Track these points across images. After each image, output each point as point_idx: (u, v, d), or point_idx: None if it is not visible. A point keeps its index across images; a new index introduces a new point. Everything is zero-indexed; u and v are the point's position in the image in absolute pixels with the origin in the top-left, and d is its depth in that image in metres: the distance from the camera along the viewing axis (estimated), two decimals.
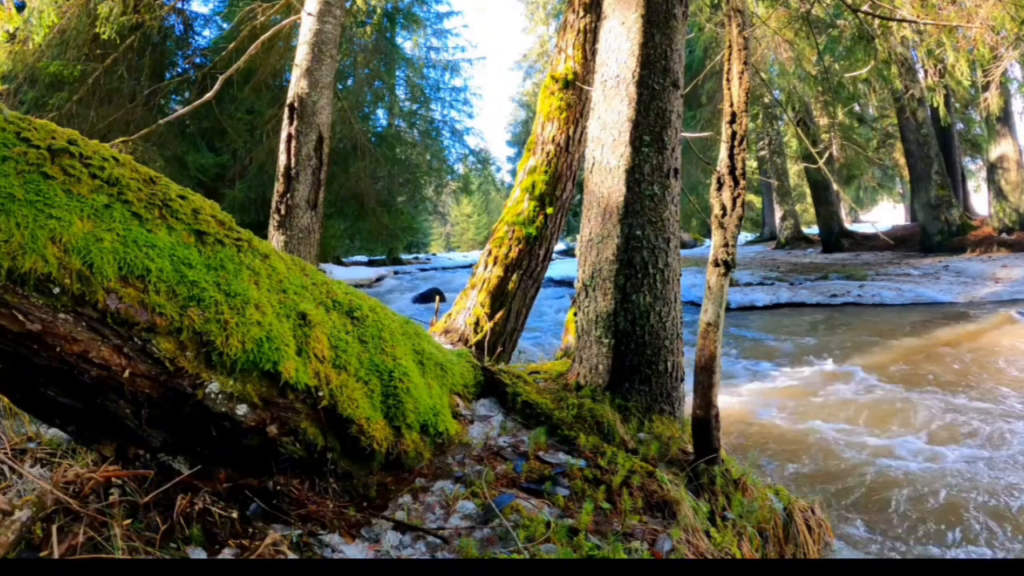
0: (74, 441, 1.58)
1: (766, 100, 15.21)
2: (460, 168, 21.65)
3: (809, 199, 21.80)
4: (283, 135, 4.19)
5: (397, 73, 18.27)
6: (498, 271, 3.70)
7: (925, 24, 5.21)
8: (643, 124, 2.38)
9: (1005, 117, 13.17)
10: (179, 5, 10.28)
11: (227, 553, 1.24)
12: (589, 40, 3.78)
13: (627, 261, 2.36)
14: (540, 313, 9.07)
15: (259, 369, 1.40)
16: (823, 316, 8.27)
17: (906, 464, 3.28)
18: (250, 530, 1.32)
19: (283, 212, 4.05)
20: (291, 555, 1.25)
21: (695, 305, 8.18)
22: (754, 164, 20.88)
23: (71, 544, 1.14)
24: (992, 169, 13.84)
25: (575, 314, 2.60)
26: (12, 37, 6.14)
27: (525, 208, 3.76)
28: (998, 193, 13.55)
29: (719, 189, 1.94)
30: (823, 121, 15.99)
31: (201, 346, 1.33)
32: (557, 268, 12.57)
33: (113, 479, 1.33)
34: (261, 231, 3.07)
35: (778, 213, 20.59)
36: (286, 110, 4.20)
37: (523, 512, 1.52)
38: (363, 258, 23.51)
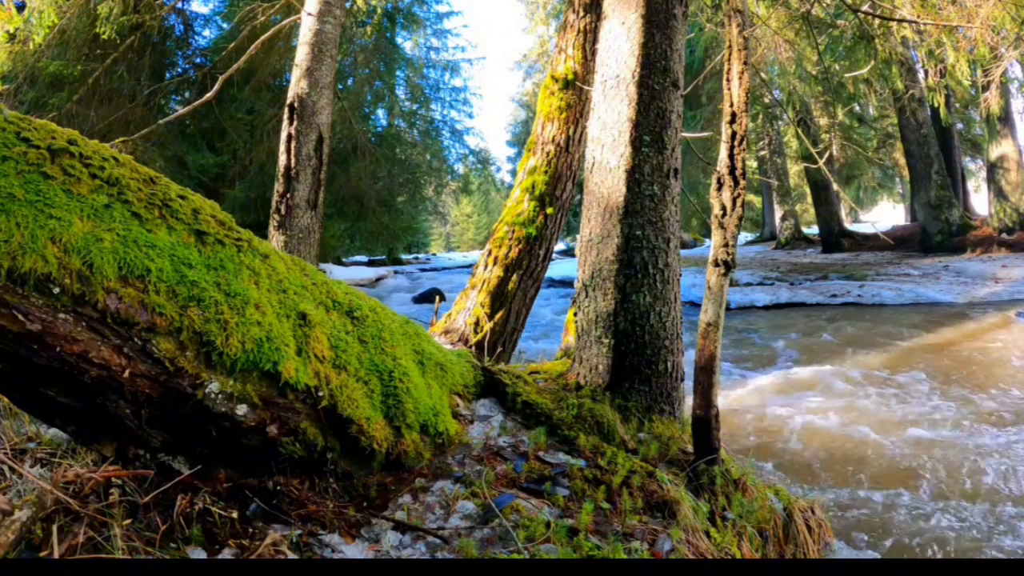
0: (74, 441, 1.58)
1: (766, 100, 15.20)
2: (460, 168, 21.64)
3: (809, 199, 21.80)
4: (283, 135, 4.19)
5: (397, 73, 18.25)
6: (498, 271, 3.70)
7: (925, 24, 5.21)
8: (643, 124, 2.38)
9: (1005, 117, 13.15)
10: (179, 5, 10.28)
11: (227, 553, 1.24)
12: (589, 40, 3.78)
13: (627, 261, 2.36)
14: (540, 313, 9.07)
15: (259, 369, 1.40)
16: (823, 316, 8.26)
17: (908, 464, 3.28)
18: (250, 530, 1.32)
19: (283, 212, 4.06)
20: (291, 555, 1.25)
21: (695, 305, 8.17)
22: (754, 164, 20.88)
23: (71, 544, 1.14)
24: (992, 169, 13.83)
25: (575, 314, 2.60)
26: (12, 37, 6.14)
27: (525, 208, 3.76)
28: (998, 193, 13.55)
29: (719, 189, 1.94)
30: (823, 121, 15.99)
31: (201, 346, 1.33)
32: (557, 268, 12.57)
33: (113, 479, 1.33)
34: (261, 231, 3.07)
35: (778, 213, 20.58)
36: (286, 110, 4.20)
37: (523, 512, 1.52)
38: (363, 258, 23.48)
